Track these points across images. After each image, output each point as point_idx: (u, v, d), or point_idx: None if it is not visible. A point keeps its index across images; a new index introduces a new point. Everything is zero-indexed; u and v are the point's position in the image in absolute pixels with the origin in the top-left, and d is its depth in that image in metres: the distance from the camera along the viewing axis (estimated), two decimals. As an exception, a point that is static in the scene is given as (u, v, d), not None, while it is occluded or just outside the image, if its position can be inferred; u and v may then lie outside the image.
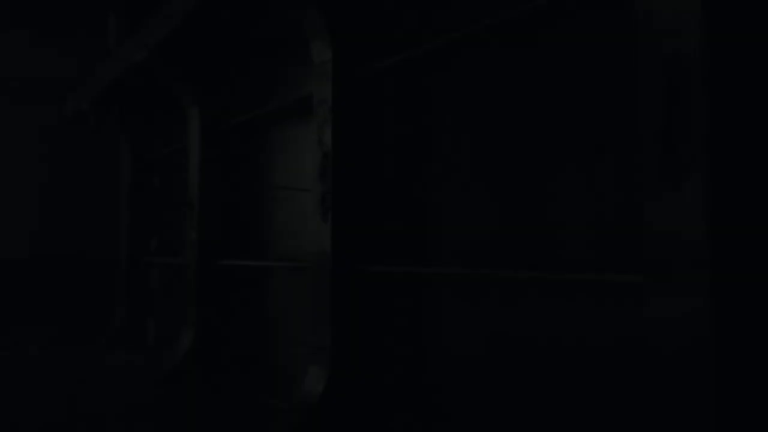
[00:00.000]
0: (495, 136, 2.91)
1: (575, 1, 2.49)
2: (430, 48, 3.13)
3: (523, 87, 2.78)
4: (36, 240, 7.07)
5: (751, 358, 1.77)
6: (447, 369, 3.11)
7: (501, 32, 2.83)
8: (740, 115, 1.83)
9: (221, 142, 5.32)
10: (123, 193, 7.24)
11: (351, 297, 3.57)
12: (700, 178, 1.80)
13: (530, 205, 2.74)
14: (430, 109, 3.30)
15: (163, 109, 6.67)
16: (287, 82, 4.59)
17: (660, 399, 1.86)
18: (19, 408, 4.44)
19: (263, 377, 4.75)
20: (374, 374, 3.52)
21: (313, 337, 3.62)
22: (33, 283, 6.99)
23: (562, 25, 2.61)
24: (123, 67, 5.64)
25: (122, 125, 7.01)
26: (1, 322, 6.74)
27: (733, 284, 1.78)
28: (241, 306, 5.21)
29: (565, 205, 2.58)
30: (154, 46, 4.95)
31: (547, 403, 2.57)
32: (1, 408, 4.46)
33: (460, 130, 3.11)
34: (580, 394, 2.44)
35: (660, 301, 1.86)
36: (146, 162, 7.08)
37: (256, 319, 4.95)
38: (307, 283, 4.24)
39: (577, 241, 2.52)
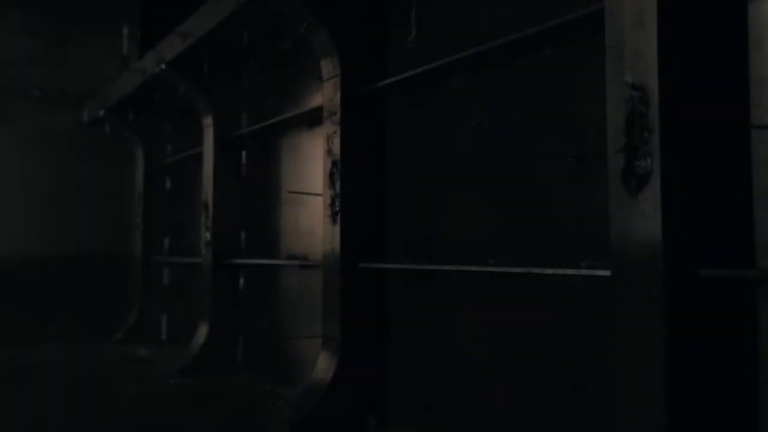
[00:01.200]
0: (489, 147, 3.28)
1: (567, 40, 2.85)
2: (429, 68, 3.49)
3: (514, 107, 3.15)
4: (53, 240, 7.42)
5: (698, 342, 2.14)
6: (442, 354, 3.48)
7: (489, 59, 3.20)
8: (688, 138, 2.20)
9: (233, 149, 5.69)
10: (137, 195, 7.62)
11: (357, 291, 3.91)
12: (655, 188, 2.16)
13: (521, 210, 3.10)
14: (429, 122, 3.67)
15: (174, 117, 7.04)
16: (296, 94, 4.96)
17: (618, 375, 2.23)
18: (40, 403, 4.77)
19: (273, 367, 5.11)
20: (375, 358, 3.89)
21: (323, 328, 3.97)
22: (51, 282, 7.33)
23: (541, 58, 2.98)
24: (140, 78, 6.01)
25: (136, 132, 7.38)
26: (20, 319, 7.08)
27: (683, 277, 2.15)
28: (251, 300, 5.58)
29: (552, 211, 2.95)
30: (171, 60, 5.32)
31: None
32: (21, 403, 4.78)
33: (456, 141, 3.47)
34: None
35: (621, 292, 2.24)
36: (158, 166, 7.46)
37: (265, 313, 5.32)
38: (316, 279, 4.57)
39: (562, 241, 2.89)
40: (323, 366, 3.89)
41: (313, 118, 4.63)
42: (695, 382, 2.10)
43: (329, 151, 3.98)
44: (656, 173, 2.16)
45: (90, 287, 7.41)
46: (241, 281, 5.69)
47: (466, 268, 3.24)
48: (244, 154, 5.75)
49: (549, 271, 2.81)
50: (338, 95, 3.91)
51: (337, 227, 3.88)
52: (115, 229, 7.66)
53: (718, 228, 2.16)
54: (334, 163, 3.95)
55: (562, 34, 2.84)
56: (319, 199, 4.17)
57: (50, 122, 7.51)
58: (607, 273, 2.39)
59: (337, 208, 3.90)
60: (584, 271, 2.67)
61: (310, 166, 4.78)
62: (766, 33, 2.20)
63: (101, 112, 7.20)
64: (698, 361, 2.10)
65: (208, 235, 5.61)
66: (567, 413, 2.78)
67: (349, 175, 3.91)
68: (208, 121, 5.68)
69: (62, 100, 7.52)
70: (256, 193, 5.58)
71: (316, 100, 4.54)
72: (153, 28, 7.33)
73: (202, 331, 5.56)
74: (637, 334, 2.18)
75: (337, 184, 3.91)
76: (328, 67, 3.99)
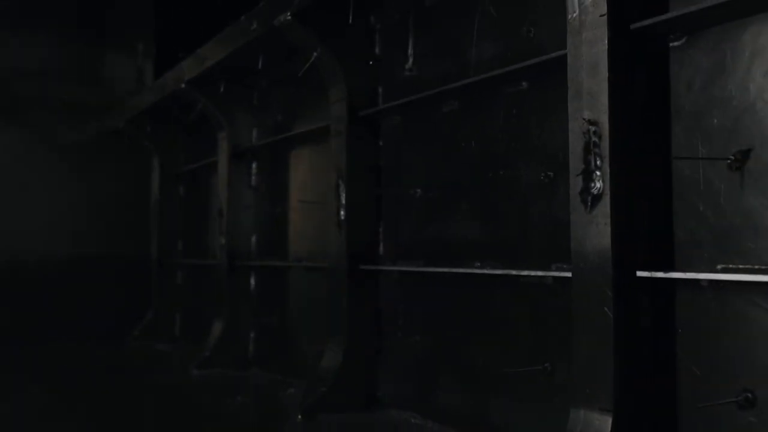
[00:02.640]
0: (475, 165, 3.78)
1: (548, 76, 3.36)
2: (423, 96, 4.00)
3: (497, 131, 3.65)
4: (74, 244, 7.90)
5: (637, 329, 2.65)
6: (431, 345, 3.98)
7: (476, 89, 3.71)
8: (631, 164, 2.71)
9: (245, 160, 6.20)
10: (153, 201, 8.13)
11: (359, 290, 4.42)
12: (605, 206, 2.67)
13: (503, 220, 3.60)
14: (423, 142, 4.17)
15: (188, 129, 7.54)
16: (303, 112, 5.49)
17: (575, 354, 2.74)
18: (77, 393, 5.26)
19: (282, 360, 5.61)
20: (374, 349, 4.40)
21: (330, 324, 4.48)
22: (71, 283, 7.79)
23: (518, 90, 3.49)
24: (159, 94, 6.53)
25: (153, 142, 7.89)
26: (43, 318, 7.54)
27: (625, 278, 2.65)
28: (261, 299, 6.08)
29: (529, 222, 3.45)
30: (190, 80, 5.83)
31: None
32: (59, 394, 5.27)
33: (447, 160, 3.98)
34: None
35: (578, 289, 2.74)
36: (173, 175, 7.97)
37: (275, 311, 5.83)
38: (321, 279, 5.06)
39: (538, 247, 3.39)
40: (330, 357, 4.39)
41: (319, 135, 5.12)
42: (635, 362, 2.61)
43: (335, 166, 4.49)
44: (607, 193, 2.66)
45: (108, 288, 7.89)
46: (253, 282, 6.20)
47: (454, 270, 3.74)
48: (255, 165, 6.25)
49: (525, 272, 3.31)
50: (344, 117, 4.42)
51: (343, 233, 4.39)
52: (132, 233, 8.15)
53: (652, 237, 2.68)
54: (339, 177, 4.45)
55: (536, 72, 3.34)
56: (324, 206, 4.69)
57: (71, 132, 8.02)
58: (569, 275, 2.89)
59: (342, 217, 4.40)
60: (553, 273, 3.17)
61: (316, 177, 5.29)
62: (695, 78, 2.71)
63: (121, 124, 7.70)
64: (637, 344, 2.61)
65: (222, 239, 6.11)
66: (538, 393, 3.28)
67: (353, 188, 4.42)
68: (222, 135, 6.19)
69: (83, 111, 8.04)
70: (266, 201, 6.09)
71: (321, 117, 5.01)
72: (168, 44, 7.85)
73: (217, 328, 6.05)
74: (590, 324, 2.68)
75: (342, 196, 4.41)
76: (334, 91, 4.50)
